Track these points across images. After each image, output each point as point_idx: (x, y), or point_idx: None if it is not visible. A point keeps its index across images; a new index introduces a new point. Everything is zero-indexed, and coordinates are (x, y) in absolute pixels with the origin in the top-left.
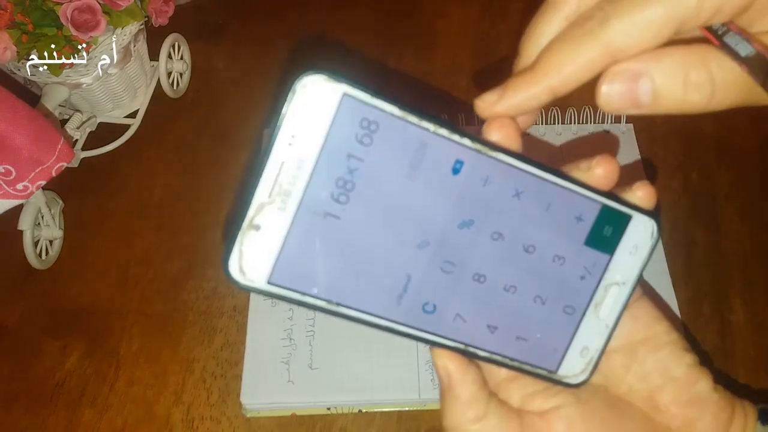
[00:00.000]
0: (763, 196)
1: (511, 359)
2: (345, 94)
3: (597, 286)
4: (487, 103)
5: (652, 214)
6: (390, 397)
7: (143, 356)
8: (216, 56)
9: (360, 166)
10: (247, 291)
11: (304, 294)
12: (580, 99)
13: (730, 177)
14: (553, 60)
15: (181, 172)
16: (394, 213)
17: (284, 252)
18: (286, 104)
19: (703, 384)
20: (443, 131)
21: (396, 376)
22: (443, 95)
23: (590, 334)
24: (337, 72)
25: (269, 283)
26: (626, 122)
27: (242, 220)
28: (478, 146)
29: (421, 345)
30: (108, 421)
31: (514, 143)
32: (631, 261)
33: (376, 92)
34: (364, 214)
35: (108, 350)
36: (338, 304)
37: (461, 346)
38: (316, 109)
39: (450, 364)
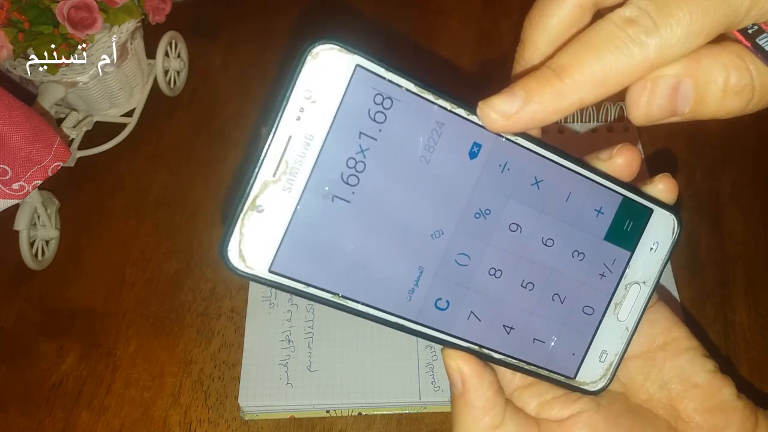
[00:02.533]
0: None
1: (528, 363)
2: (358, 66)
3: (617, 285)
4: (502, 115)
5: (674, 209)
6: (390, 400)
7: (140, 358)
8: (213, 54)
9: (372, 145)
10: (245, 279)
11: (308, 285)
12: None
13: (734, 176)
14: (588, 68)
15: (178, 172)
16: (406, 198)
17: (288, 237)
18: (295, 74)
19: (726, 391)
20: (461, 111)
21: (396, 379)
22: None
23: (610, 337)
24: (351, 42)
25: (271, 271)
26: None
27: (244, 200)
28: None
29: (422, 347)
30: (105, 424)
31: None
32: (651, 259)
33: (392, 65)
34: (374, 198)
35: (104, 351)
36: (344, 297)
37: (475, 348)
38: (327, 81)
39: (464, 366)
